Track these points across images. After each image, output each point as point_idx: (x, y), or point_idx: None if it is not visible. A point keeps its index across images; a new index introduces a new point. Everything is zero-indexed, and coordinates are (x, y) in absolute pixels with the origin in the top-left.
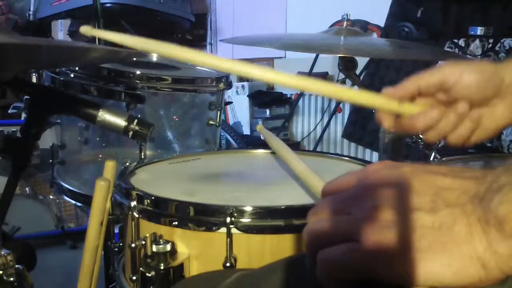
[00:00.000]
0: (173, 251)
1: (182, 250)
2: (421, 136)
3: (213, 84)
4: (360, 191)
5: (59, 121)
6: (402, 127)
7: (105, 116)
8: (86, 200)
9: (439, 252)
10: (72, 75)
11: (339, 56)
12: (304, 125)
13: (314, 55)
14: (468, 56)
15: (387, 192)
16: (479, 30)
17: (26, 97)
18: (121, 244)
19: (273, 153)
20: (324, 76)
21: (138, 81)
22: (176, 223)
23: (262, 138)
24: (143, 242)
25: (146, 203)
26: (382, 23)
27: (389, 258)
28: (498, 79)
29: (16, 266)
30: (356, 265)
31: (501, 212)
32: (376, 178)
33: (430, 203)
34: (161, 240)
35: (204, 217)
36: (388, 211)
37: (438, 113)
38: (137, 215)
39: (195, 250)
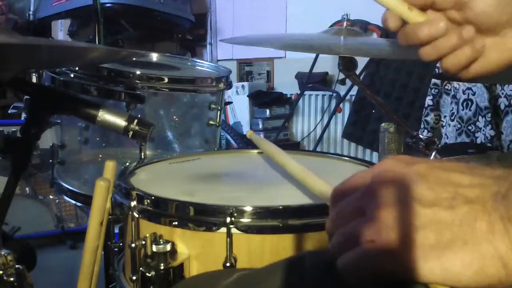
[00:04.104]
0: (173, 251)
1: (182, 250)
2: (420, 52)
3: (213, 84)
4: (374, 189)
5: (59, 121)
6: (404, 34)
7: (105, 116)
8: (86, 200)
9: (460, 250)
10: (72, 75)
11: (339, 56)
12: (304, 125)
13: (314, 55)
14: None
15: (401, 189)
16: None
17: (26, 97)
18: (121, 244)
19: None
20: (324, 76)
21: (138, 81)
22: (176, 223)
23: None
24: (143, 242)
25: (146, 203)
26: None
27: (396, 256)
28: None
29: (16, 266)
30: (369, 267)
31: None
32: (390, 175)
33: (448, 199)
34: (161, 240)
35: (204, 217)
36: (397, 208)
37: (444, 25)
38: (137, 215)
39: (195, 250)
